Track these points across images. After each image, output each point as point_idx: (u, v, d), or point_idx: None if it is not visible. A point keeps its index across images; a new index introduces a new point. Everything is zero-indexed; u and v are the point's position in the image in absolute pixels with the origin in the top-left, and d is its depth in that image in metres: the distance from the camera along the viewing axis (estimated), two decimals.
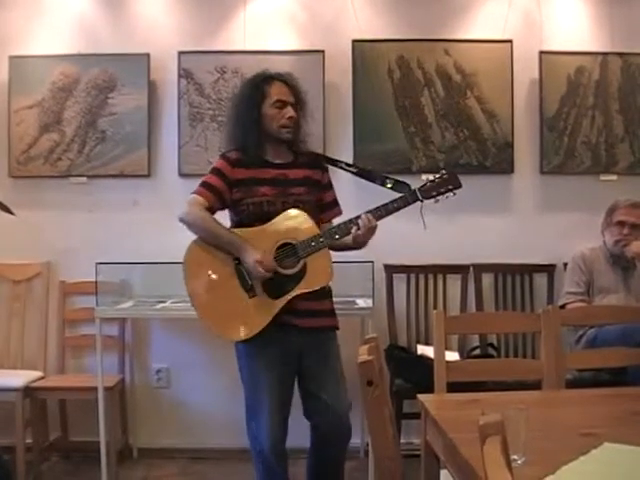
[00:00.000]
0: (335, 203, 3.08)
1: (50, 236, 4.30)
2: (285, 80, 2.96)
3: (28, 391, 3.84)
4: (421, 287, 4.26)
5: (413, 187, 2.89)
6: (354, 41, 4.27)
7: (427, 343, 3.99)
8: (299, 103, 2.98)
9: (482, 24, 4.34)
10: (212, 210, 2.90)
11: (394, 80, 4.29)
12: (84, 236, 4.28)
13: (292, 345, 2.86)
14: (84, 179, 4.32)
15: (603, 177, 4.32)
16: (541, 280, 4.30)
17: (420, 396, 2.31)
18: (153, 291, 4.11)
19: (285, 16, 4.35)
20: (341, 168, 3.05)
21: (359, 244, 2.89)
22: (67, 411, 4.22)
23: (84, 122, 4.30)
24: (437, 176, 2.89)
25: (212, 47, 4.30)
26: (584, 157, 4.32)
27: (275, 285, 2.81)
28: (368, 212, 2.83)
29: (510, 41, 4.28)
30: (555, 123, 4.31)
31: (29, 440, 3.87)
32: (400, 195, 2.87)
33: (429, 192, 2.86)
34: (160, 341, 4.34)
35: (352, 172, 3.05)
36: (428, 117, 4.30)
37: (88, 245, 4.23)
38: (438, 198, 2.87)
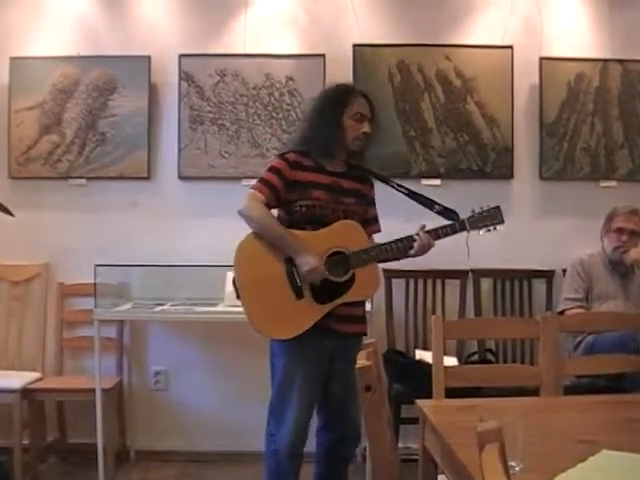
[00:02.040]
0: (376, 220, 3.15)
1: (49, 237, 4.30)
2: (367, 98, 3.03)
3: (26, 392, 3.83)
4: (420, 292, 4.26)
5: (461, 217, 2.97)
6: (355, 45, 4.28)
7: (425, 348, 3.99)
8: (373, 122, 3.04)
9: (483, 30, 4.35)
10: (268, 207, 2.93)
11: (394, 84, 4.30)
12: (83, 238, 4.28)
13: (326, 348, 2.91)
14: (84, 181, 4.33)
15: (602, 183, 4.33)
16: (540, 286, 4.30)
17: (418, 401, 2.31)
18: (152, 293, 4.11)
19: (286, 20, 4.36)
20: (391, 187, 3.11)
21: (411, 256, 3.00)
22: (65, 413, 4.22)
23: (84, 124, 4.31)
24: (484, 208, 2.99)
25: (213, 50, 4.31)
26: (584, 163, 4.32)
27: (323, 290, 2.86)
28: (424, 232, 2.93)
29: (510, 47, 4.29)
30: (555, 129, 4.32)
31: (26, 441, 3.86)
32: (450, 223, 2.97)
33: (476, 224, 2.97)
34: (158, 343, 4.33)
35: (402, 192, 3.11)
36: (428, 122, 4.30)
37: (87, 247, 4.23)
38: (482, 231, 2.98)
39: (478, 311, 4.25)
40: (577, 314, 3.63)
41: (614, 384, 3.20)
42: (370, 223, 3.10)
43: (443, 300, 4.25)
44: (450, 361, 3.44)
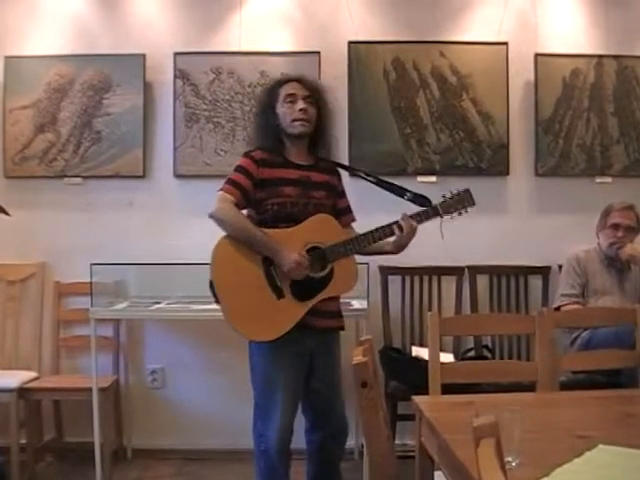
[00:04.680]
0: (349, 209, 3.14)
1: (45, 237, 4.29)
2: (297, 79, 3.00)
3: (22, 392, 3.82)
4: (416, 289, 4.26)
5: (434, 203, 2.97)
6: (350, 42, 4.27)
7: (422, 345, 3.99)
8: (315, 100, 2.98)
9: (478, 26, 4.35)
10: (238, 208, 2.90)
11: (389, 81, 4.30)
12: (79, 237, 4.27)
13: (305, 345, 2.90)
14: (79, 180, 4.32)
15: (598, 179, 4.33)
16: (536, 282, 4.30)
17: (415, 398, 2.31)
18: (148, 292, 4.11)
19: (281, 17, 4.35)
20: (360, 177, 3.10)
21: (400, 247, 2.96)
22: (62, 412, 4.21)
23: (79, 123, 4.30)
24: (454, 193, 2.97)
25: (208, 48, 4.30)
26: (579, 159, 4.32)
27: (303, 288, 2.84)
28: (402, 220, 2.91)
29: (505, 43, 4.29)
30: (550, 125, 4.32)
31: (23, 441, 3.86)
32: (423, 209, 2.96)
33: (449, 208, 2.95)
34: (155, 342, 4.33)
35: (371, 181, 3.11)
36: (423, 119, 4.30)
37: (83, 246, 4.22)
38: (454, 215, 2.96)
39: (474, 307, 4.25)
40: (573, 310, 3.64)
41: (611, 380, 3.20)
42: (344, 213, 3.09)
43: (439, 297, 4.26)
44: (446, 357, 3.45)
